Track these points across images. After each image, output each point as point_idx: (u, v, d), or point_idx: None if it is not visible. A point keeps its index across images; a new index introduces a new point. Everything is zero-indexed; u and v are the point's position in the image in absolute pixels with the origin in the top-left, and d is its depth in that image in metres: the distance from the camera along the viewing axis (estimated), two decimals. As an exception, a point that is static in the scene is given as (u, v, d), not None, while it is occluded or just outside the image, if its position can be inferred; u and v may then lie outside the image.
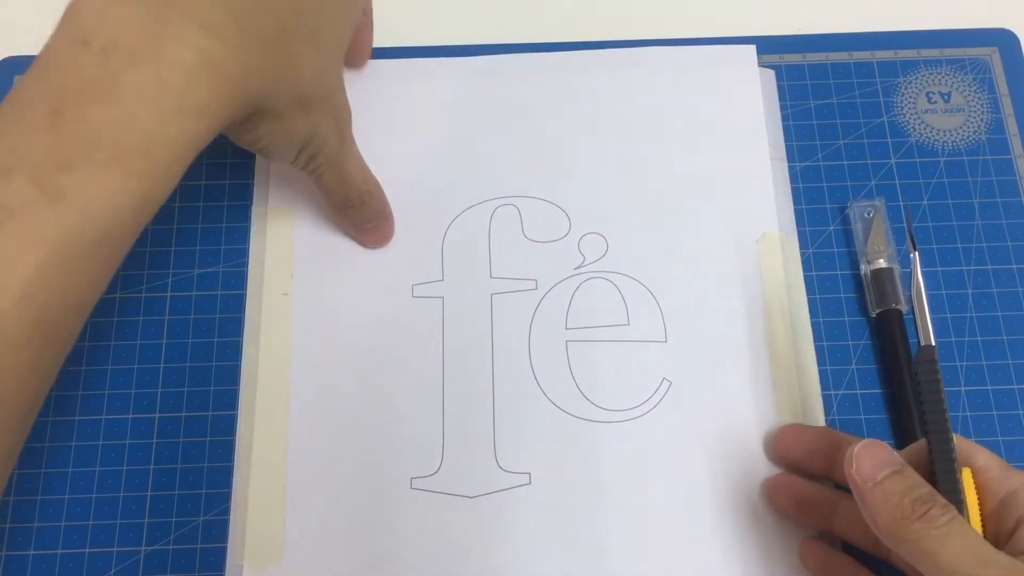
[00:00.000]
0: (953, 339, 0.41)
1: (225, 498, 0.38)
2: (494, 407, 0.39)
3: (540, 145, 0.44)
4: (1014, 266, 0.42)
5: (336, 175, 0.38)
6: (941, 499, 0.29)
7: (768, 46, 0.46)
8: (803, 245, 0.42)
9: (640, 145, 0.43)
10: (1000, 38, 0.47)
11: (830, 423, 0.39)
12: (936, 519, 0.28)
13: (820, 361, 0.40)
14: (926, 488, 0.29)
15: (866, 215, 0.42)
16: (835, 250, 0.42)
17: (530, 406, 0.39)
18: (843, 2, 0.48)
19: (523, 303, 0.41)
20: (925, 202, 0.43)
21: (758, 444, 0.38)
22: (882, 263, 0.41)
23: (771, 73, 0.45)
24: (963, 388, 0.40)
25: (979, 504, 0.31)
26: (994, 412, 0.40)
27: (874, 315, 0.40)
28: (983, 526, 0.31)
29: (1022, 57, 0.46)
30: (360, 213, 0.40)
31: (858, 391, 0.40)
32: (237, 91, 0.30)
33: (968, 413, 0.40)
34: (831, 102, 0.45)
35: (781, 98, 0.45)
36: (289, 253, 0.42)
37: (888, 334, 0.40)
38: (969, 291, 0.42)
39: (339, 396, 0.39)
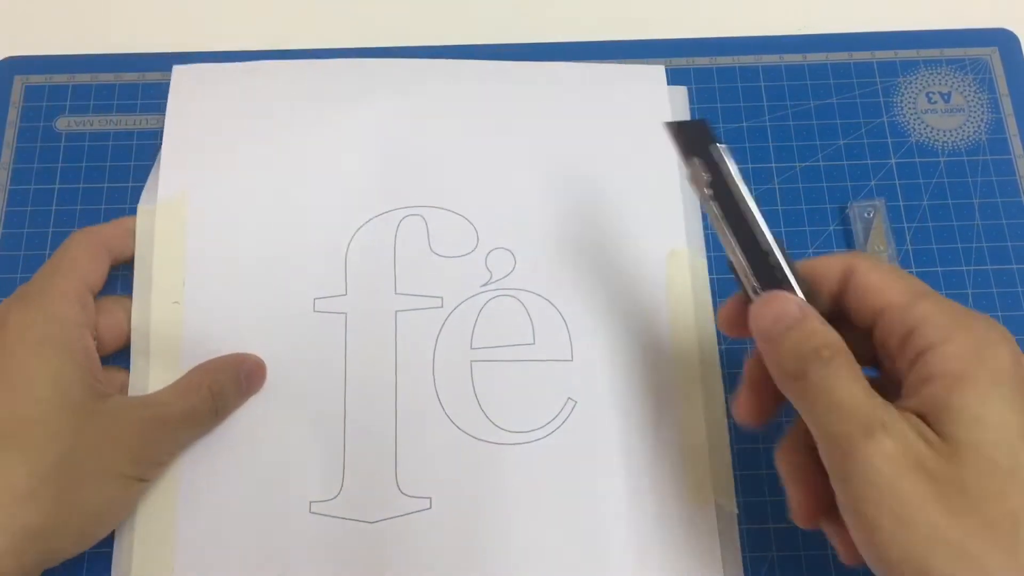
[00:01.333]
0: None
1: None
2: (396, 429, 0.38)
3: (450, 155, 0.42)
4: (1014, 266, 0.42)
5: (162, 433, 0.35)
6: (825, 344, 0.28)
7: (768, 46, 0.46)
8: (803, 245, 0.42)
9: (551, 160, 0.42)
10: (1000, 38, 0.47)
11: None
12: (817, 372, 0.28)
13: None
14: (815, 340, 0.28)
15: (866, 215, 0.42)
16: (835, 250, 0.42)
17: (432, 428, 0.38)
18: (843, 2, 0.48)
19: (428, 321, 0.40)
20: (925, 202, 0.43)
21: (664, 463, 0.38)
22: None
23: (683, 91, 0.45)
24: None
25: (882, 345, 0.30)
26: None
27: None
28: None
29: (1022, 57, 0.46)
30: (229, 400, 0.37)
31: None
32: None
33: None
34: (831, 102, 0.45)
35: (781, 98, 0.45)
36: (180, 256, 0.40)
37: None
38: (969, 291, 0.42)
39: (234, 413, 0.38)
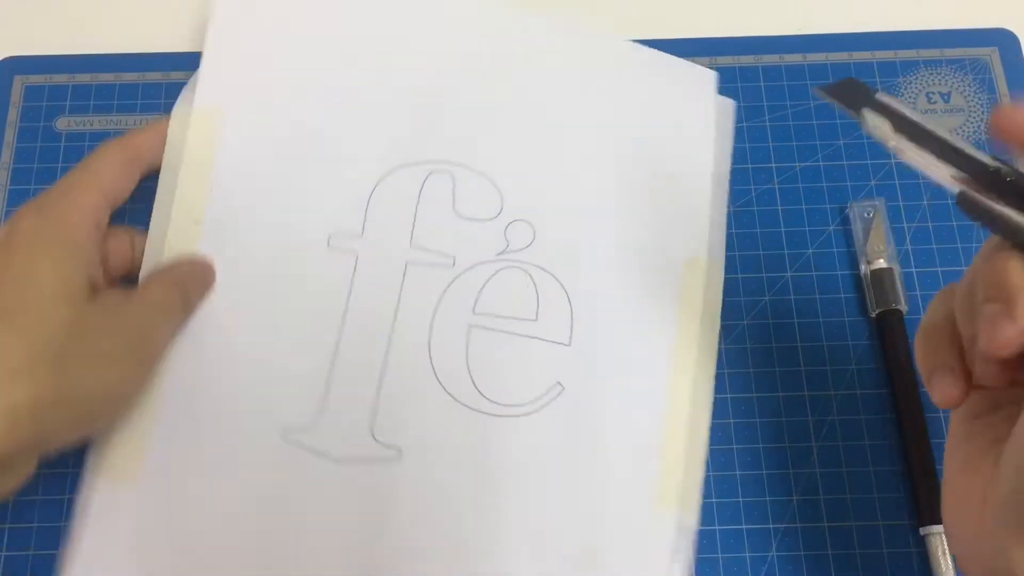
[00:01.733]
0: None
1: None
2: (382, 375, 0.38)
3: (489, 112, 0.42)
4: (1014, 266, 0.42)
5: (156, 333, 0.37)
6: None
7: (768, 46, 0.46)
8: (803, 245, 0.42)
9: (588, 139, 0.42)
10: (1000, 38, 0.47)
11: (830, 423, 0.39)
12: None
13: (820, 361, 0.40)
14: None
15: (866, 215, 0.42)
16: (835, 250, 0.42)
17: (417, 382, 0.38)
18: (843, 2, 0.48)
19: (437, 278, 0.40)
20: (925, 202, 0.43)
21: (640, 460, 0.37)
22: (882, 263, 0.40)
23: (731, 104, 0.44)
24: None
25: None
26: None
27: (874, 315, 0.40)
28: None
29: (1022, 57, 0.46)
30: (192, 298, 0.38)
31: (858, 391, 0.40)
32: None
33: None
34: (831, 102, 0.45)
35: (781, 98, 0.45)
36: (207, 171, 0.40)
37: (888, 334, 0.40)
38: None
39: (230, 325, 0.38)
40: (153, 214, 0.40)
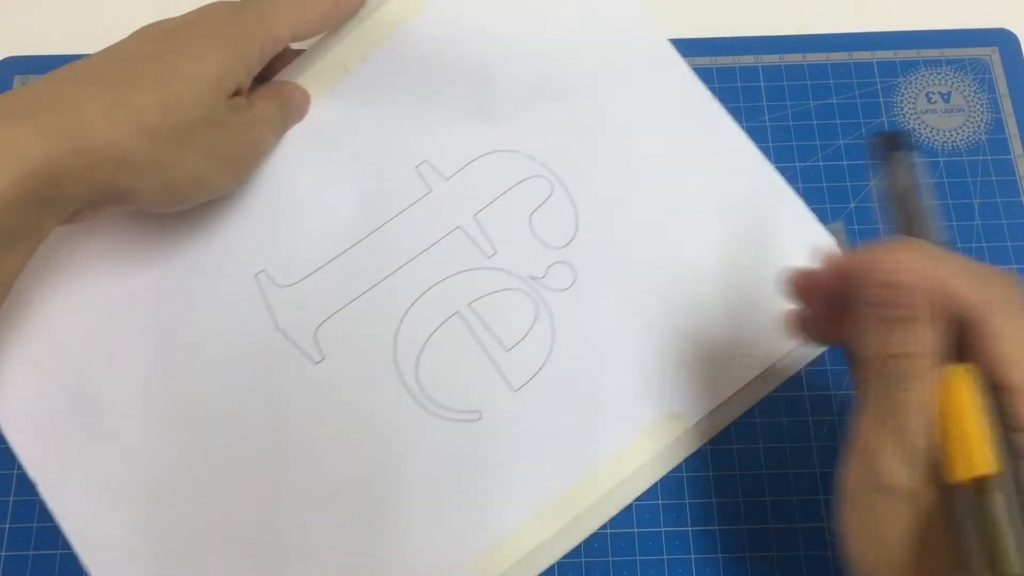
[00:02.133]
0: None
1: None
2: (368, 290, 0.40)
3: (597, 130, 0.42)
4: (1014, 266, 0.42)
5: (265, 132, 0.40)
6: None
7: (768, 46, 0.46)
8: (803, 245, 0.42)
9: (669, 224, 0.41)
10: (1000, 38, 0.47)
11: (830, 423, 0.39)
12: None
13: (821, 362, 0.40)
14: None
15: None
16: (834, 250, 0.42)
17: (384, 312, 0.39)
18: (843, 2, 0.48)
19: (469, 256, 0.40)
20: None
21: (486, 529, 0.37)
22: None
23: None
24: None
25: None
26: (994, 412, 0.40)
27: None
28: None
29: (1022, 57, 0.46)
30: (291, 116, 0.42)
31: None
32: (23, 157, 0.30)
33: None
34: (831, 102, 0.45)
35: (781, 98, 0.45)
36: (384, 33, 0.42)
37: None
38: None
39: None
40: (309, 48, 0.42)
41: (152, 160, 0.34)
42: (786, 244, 0.40)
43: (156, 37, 0.36)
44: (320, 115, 0.42)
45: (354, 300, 0.40)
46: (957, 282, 0.26)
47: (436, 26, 0.42)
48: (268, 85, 0.40)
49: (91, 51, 0.46)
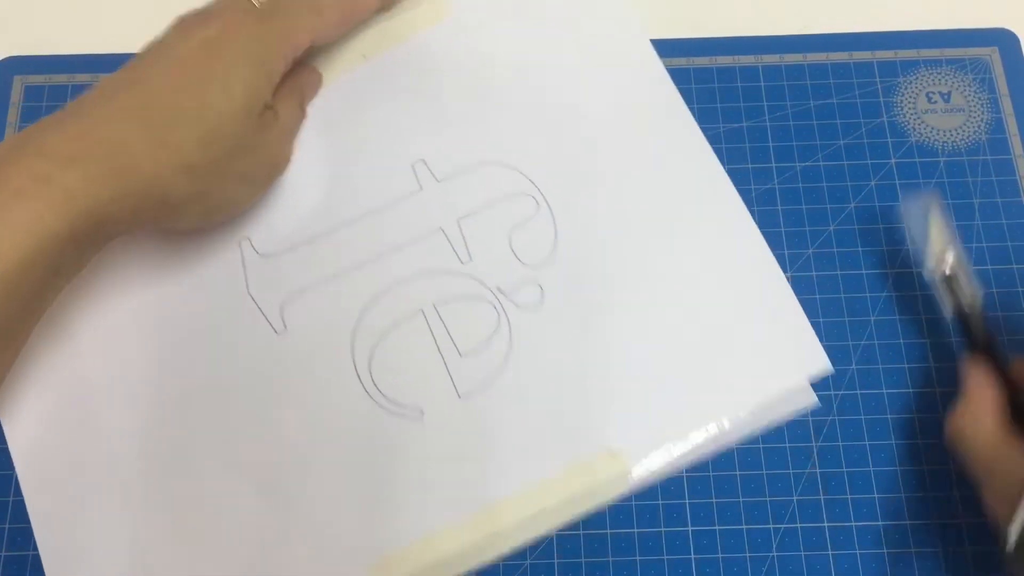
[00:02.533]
0: (953, 339, 0.41)
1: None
2: (355, 265, 0.40)
3: (592, 162, 0.43)
4: (1014, 266, 0.42)
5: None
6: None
7: (768, 46, 0.46)
8: (803, 245, 0.42)
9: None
10: (1000, 38, 0.47)
11: (830, 423, 0.39)
12: None
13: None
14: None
15: (921, 213, 0.40)
16: (835, 250, 0.42)
17: (358, 288, 0.40)
18: (843, 2, 0.48)
19: (444, 257, 0.41)
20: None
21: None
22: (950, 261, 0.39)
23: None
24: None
25: None
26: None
27: (951, 317, 0.39)
28: None
29: (1022, 57, 0.46)
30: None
31: (858, 391, 0.40)
32: (76, 200, 0.32)
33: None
34: (831, 102, 0.45)
35: (781, 98, 0.45)
36: (405, 35, 0.44)
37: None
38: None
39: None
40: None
41: (192, 193, 0.35)
42: (759, 305, 0.40)
43: (187, 60, 0.36)
44: (329, 96, 0.43)
45: (325, 281, 0.40)
46: None
47: (454, 35, 0.44)
48: (287, 80, 0.40)
49: (91, 51, 0.46)
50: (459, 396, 0.39)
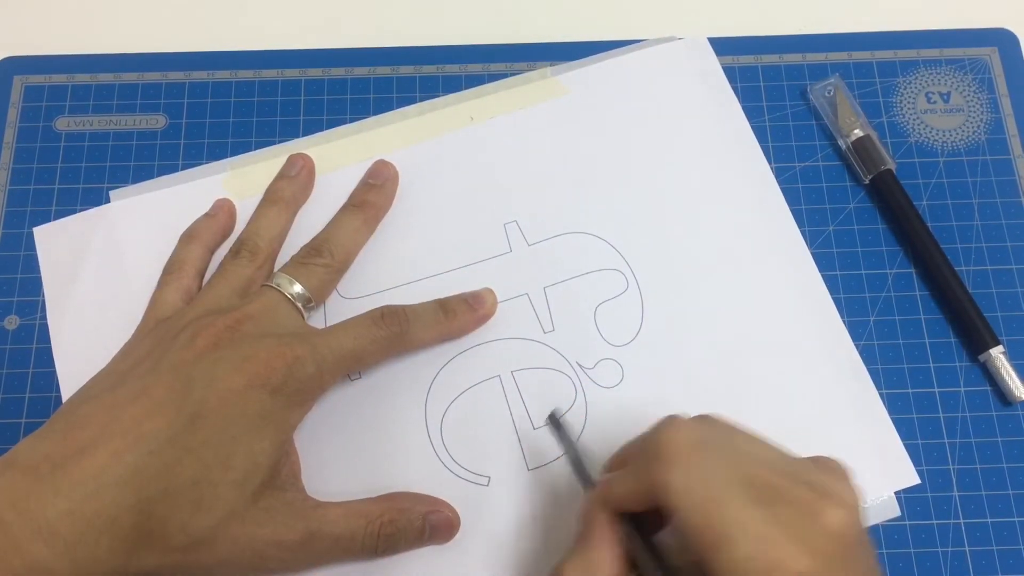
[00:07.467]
0: (953, 340, 0.41)
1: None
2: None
3: (686, 246, 0.42)
4: (1014, 266, 0.42)
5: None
6: None
7: (768, 46, 0.46)
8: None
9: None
10: (1000, 38, 0.47)
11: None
12: None
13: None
14: None
15: (827, 94, 0.44)
16: (834, 250, 0.42)
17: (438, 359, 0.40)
18: (843, 2, 0.48)
19: (528, 323, 0.40)
20: (925, 202, 0.43)
21: None
22: (858, 132, 0.43)
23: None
24: (963, 389, 0.40)
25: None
26: (993, 413, 0.40)
27: (867, 181, 0.43)
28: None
29: (1022, 57, 0.46)
30: (399, 546, 0.36)
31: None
32: None
33: (968, 414, 0.40)
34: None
35: (781, 98, 0.45)
36: None
37: (889, 193, 0.43)
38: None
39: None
40: None
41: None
42: (846, 410, 0.39)
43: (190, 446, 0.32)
44: (435, 151, 0.43)
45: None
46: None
47: (563, 111, 0.44)
48: (382, 497, 0.36)
49: (90, 51, 0.46)
50: (528, 469, 0.38)
